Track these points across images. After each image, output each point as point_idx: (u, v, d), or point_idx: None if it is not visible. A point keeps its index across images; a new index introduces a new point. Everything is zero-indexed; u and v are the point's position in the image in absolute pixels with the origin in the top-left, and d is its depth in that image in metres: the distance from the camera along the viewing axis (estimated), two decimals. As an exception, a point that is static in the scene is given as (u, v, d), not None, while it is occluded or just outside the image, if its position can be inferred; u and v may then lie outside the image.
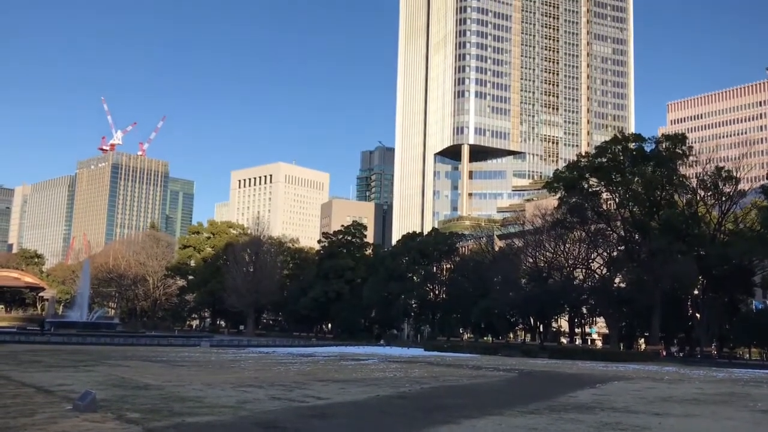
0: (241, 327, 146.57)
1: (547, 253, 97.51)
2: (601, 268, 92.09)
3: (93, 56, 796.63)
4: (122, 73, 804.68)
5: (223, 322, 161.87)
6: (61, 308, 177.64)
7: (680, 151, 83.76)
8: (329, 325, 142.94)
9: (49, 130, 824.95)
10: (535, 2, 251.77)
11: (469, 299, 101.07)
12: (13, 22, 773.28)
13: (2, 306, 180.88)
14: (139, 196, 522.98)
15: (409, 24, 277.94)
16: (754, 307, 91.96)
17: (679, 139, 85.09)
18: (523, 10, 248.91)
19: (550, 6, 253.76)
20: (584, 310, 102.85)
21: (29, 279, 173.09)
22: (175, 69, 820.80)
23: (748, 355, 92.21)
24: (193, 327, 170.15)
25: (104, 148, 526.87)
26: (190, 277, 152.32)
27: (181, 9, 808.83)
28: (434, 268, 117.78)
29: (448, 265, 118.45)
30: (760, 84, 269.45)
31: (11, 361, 36.68)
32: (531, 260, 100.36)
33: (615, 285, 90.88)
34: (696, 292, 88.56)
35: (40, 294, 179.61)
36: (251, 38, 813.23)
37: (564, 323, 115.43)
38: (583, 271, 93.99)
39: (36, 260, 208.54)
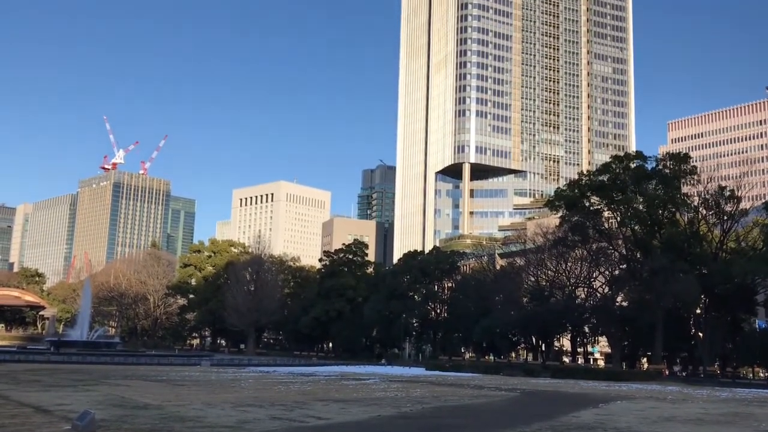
0: (242, 346, 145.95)
1: (549, 272, 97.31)
2: (603, 286, 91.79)
3: (95, 75, 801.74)
4: (125, 93, 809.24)
5: (223, 341, 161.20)
6: (62, 327, 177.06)
7: (684, 170, 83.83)
8: (330, 345, 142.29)
9: (52, 150, 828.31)
10: (535, 22, 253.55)
11: (470, 318, 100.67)
12: (16, 40, 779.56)
13: (2, 325, 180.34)
14: (140, 214, 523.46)
15: (409, 44, 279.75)
16: (757, 326, 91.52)
17: (683, 158, 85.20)
18: (523, 30, 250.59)
19: (550, 26, 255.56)
20: (586, 329, 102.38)
21: (30, 298, 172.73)
22: (178, 89, 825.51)
23: (751, 375, 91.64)
24: (194, 346, 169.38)
25: (106, 167, 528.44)
26: (191, 296, 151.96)
27: (183, 31, 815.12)
28: (435, 286, 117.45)
29: (450, 284, 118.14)
30: (760, 103, 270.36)
31: (10, 380, 36.48)
32: (533, 279, 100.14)
33: (617, 304, 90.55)
34: (698, 311, 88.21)
35: (41, 313, 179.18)
36: (253, 57, 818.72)
37: (566, 342, 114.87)
38: (585, 289, 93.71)
39: (37, 279, 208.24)
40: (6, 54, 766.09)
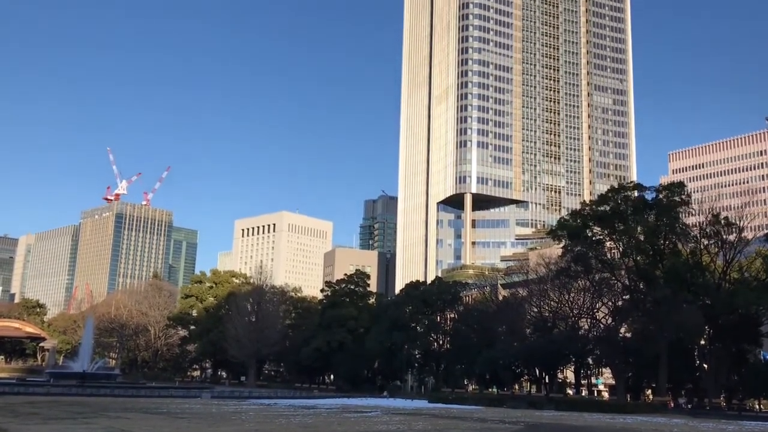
0: (243, 378, 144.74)
1: (552, 303, 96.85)
2: (606, 317, 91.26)
3: (99, 106, 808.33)
4: (128, 123, 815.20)
5: (224, 373, 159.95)
6: (62, 358, 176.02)
7: (679, 199, 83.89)
8: (332, 376, 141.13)
9: (55, 181, 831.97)
10: (535, 54, 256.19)
11: (473, 349, 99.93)
12: (19, 71, 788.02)
13: (2, 357, 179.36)
14: (142, 245, 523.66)
15: (411, 76, 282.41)
16: (762, 357, 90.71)
17: (677, 186, 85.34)
18: (523, 62, 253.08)
19: (550, 58, 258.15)
20: (590, 361, 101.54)
21: (30, 329, 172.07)
22: (181, 120, 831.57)
23: (758, 407, 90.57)
24: (194, 378, 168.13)
25: (109, 197, 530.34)
26: (192, 327, 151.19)
27: (185, 62, 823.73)
28: (438, 317, 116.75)
29: (452, 315, 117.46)
30: (760, 134, 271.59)
31: (9, 413, 36.18)
32: (535, 309, 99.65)
33: (621, 335, 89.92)
34: (703, 342, 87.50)
35: (41, 344, 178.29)
36: (255, 89, 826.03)
37: (570, 374, 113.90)
38: (588, 320, 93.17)
39: (38, 310, 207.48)
40: (8, 85, 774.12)
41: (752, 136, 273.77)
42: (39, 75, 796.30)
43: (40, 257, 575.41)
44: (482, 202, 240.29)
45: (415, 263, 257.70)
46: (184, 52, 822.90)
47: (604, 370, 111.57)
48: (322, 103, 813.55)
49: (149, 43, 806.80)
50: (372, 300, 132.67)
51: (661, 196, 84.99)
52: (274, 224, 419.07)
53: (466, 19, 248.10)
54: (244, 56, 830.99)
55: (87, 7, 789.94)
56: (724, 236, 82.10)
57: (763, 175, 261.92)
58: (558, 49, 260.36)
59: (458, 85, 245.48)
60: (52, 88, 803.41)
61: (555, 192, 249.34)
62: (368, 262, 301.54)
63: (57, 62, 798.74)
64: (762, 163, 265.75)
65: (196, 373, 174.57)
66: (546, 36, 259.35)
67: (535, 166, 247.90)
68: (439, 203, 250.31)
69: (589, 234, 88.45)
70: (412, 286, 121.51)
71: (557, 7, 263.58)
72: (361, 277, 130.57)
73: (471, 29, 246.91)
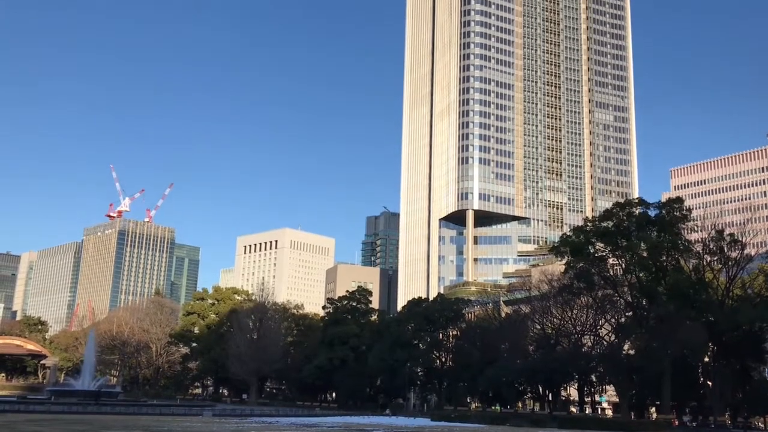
0: (244, 396, 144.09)
1: (555, 320, 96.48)
2: (610, 334, 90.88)
3: (101, 123, 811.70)
4: (131, 140, 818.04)
5: (225, 391, 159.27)
6: (63, 376, 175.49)
7: (680, 215, 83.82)
8: (334, 394, 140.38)
9: (58, 198, 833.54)
10: (536, 72, 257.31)
11: (476, 367, 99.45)
12: (23, 89, 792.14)
13: (3, 374, 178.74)
14: (144, 262, 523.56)
15: (413, 93, 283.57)
16: (766, 375, 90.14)
17: (677, 202, 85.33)
18: (525, 80, 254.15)
19: (551, 75, 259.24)
20: (594, 378, 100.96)
21: (32, 346, 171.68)
22: (184, 137, 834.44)
23: (763, 425, 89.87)
24: (196, 396, 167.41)
25: (111, 214, 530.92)
26: (194, 345, 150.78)
27: (187, 80, 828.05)
28: (440, 334, 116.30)
29: (455, 332, 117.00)
30: (762, 150, 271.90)
31: (9, 431, 36.04)
32: (538, 327, 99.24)
33: (624, 352, 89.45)
34: (706, 359, 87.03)
35: (42, 362, 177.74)
36: (258, 106, 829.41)
37: (573, 391, 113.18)
38: (591, 337, 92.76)
39: (39, 327, 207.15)
40: (10, 102, 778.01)
41: (754, 152, 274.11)
42: (41, 91, 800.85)
43: (42, 274, 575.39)
44: (484, 218, 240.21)
45: (417, 280, 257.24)
46: (185, 68, 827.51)
47: (607, 387, 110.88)
48: (324, 120, 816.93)
49: (150, 57, 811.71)
50: (374, 317, 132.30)
51: (663, 212, 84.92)
52: (276, 241, 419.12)
53: (467, 37, 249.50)
54: (248, 74, 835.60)
55: (86, 14, 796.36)
56: (727, 252, 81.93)
57: (764, 192, 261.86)
58: (559, 66, 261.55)
59: (460, 101, 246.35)
60: (54, 105, 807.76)
61: (557, 208, 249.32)
62: (370, 278, 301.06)
63: (59, 78, 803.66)
64: (764, 180, 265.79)
65: (198, 391, 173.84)
66: (547, 53, 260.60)
67: (537, 182, 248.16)
68: (441, 219, 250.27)
69: (592, 250, 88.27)
70: (415, 303, 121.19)
71: (558, 24, 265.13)
72: (363, 293, 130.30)
73: (472, 47, 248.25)
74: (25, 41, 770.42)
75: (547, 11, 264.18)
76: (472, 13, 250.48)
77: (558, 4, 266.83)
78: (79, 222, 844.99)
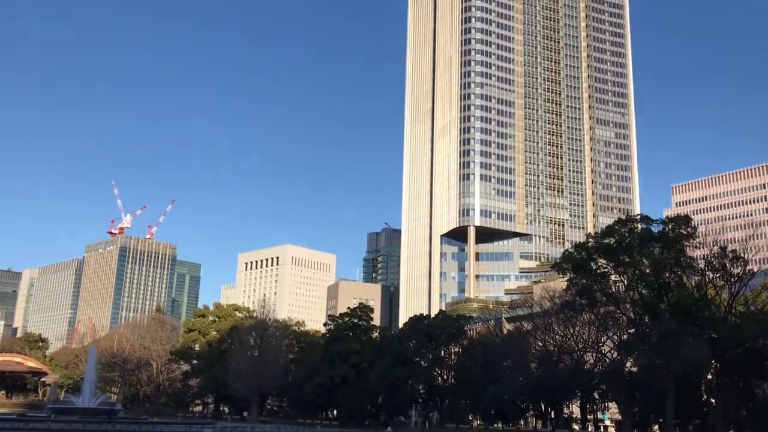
0: (245, 413, 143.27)
1: (557, 336, 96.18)
2: (612, 351, 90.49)
3: (104, 140, 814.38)
4: (133, 158, 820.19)
5: (226, 409, 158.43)
6: (63, 393, 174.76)
7: (685, 232, 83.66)
8: (335, 412, 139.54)
9: (60, 215, 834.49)
10: (537, 89, 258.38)
11: (478, 384, 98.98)
12: (25, 106, 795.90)
13: (3, 392, 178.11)
14: (146, 279, 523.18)
15: (414, 109, 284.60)
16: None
17: (683, 220, 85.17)
18: (525, 97, 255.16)
19: (552, 92, 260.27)
20: (596, 396, 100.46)
21: (32, 364, 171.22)
22: (186, 153, 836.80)
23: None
24: (196, 413, 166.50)
25: (113, 231, 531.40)
26: (194, 362, 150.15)
27: (186, 97, 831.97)
28: (442, 352, 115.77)
29: (456, 349, 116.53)
30: (763, 166, 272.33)
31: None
32: (540, 343, 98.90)
33: (626, 369, 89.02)
34: (710, 376, 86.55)
35: (43, 379, 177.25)
36: (259, 123, 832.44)
37: (576, 409, 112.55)
38: (594, 354, 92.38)
39: (40, 344, 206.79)
40: (13, 118, 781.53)
41: (755, 168, 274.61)
42: (43, 108, 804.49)
43: (43, 291, 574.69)
44: (486, 235, 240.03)
45: (418, 296, 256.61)
46: (185, 86, 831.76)
47: (610, 404, 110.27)
48: (325, 137, 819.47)
49: (151, 75, 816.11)
50: (375, 334, 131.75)
51: (666, 229, 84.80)
52: (278, 257, 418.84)
53: (468, 55, 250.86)
54: (250, 92, 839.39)
55: (86, 30, 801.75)
56: (730, 269, 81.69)
57: (766, 208, 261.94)
58: (560, 83, 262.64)
59: (461, 119, 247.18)
60: (56, 122, 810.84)
61: (558, 225, 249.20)
62: (371, 295, 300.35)
63: (60, 95, 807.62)
64: (765, 196, 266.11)
65: (198, 409, 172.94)
66: (547, 71, 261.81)
67: (539, 199, 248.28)
68: (442, 236, 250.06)
69: (594, 267, 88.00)
70: (416, 320, 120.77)
71: (558, 42, 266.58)
72: (364, 310, 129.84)
73: (473, 64, 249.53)
74: (24, 57, 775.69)
75: (547, 29, 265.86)
76: (473, 31, 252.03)
77: (558, 22, 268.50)
78: (80, 239, 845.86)
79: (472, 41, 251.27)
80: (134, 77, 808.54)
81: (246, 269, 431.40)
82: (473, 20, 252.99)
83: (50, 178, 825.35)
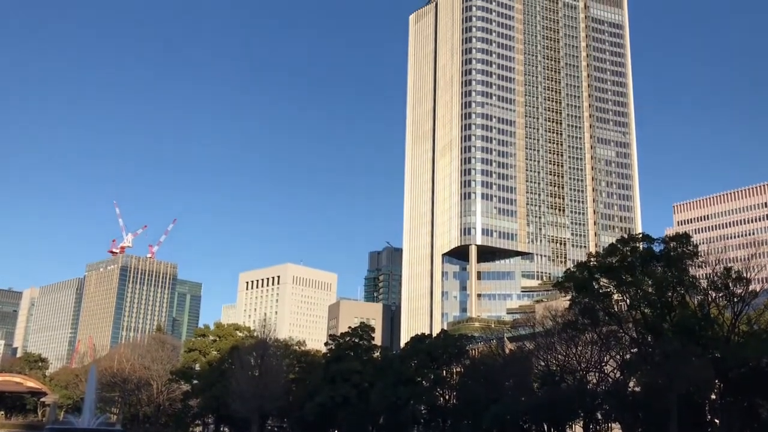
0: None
1: (559, 356, 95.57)
2: (615, 371, 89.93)
3: (105, 159, 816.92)
4: (135, 177, 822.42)
5: (227, 429, 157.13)
6: (63, 414, 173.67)
7: (687, 251, 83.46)
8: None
9: (61, 234, 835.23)
10: (537, 108, 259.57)
11: (480, 404, 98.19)
12: (27, 125, 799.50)
13: (2, 412, 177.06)
14: (146, 298, 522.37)
15: (415, 129, 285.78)
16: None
17: (684, 238, 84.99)
18: (526, 116, 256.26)
19: (552, 111, 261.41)
20: (599, 416, 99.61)
21: (32, 384, 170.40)
22: (187, 171, 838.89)
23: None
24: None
25: (114, 250, 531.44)
26: (195, 382, 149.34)
27: (187, 115, 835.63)
28: (444, 371, 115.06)
29: (458, 369, 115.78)
30: (765, 185, 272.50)
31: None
32: (543, 363, 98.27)
33: (629, 389, 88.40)
34: (713, 396, 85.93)
35: (42, 399, 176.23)
36: (261, 141, 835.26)
37: (579, 429, 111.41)
38: (596, 374, 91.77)
39: (40, 364, 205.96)
40: (14, 137, 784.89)
41: (757, 187, 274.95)
42: (43, 125, 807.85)
43: (43, 311, 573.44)
44: (487, 254, 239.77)
45: (420, 315, 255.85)
46: (185, 104, 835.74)
47: (613, 425, 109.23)
48: (326, 156, 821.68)
49: (151, 92, 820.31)
50: (377, 354, 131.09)
51: (669, 247, 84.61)
52: (279, 276, 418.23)
53: (469, 74, 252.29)
54: (251, 111, 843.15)
55: (86, 49, 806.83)
56: (732, 288, 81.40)
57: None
58: (560, 102, 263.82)
59: (462, 138, 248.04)
60: (57, 140, 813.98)
61: (560, 244, 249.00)
62: (373, 314, 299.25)
63: (60, 112, 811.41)
64: (767, 215, 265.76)
65: (199, 429, 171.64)
66: (548, 90, 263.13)
67: (540, 218, 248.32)
68: (444, 255, 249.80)
69: (596, 286, 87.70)
70: (418, 340, 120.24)
71: (558, 62, 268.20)
72: (365, 330, 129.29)
73: (474, 84, 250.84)
74: (24, 75, 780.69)
75: (547, 49, 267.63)
76: (474, 51, 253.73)
77: (558, 42, 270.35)
78: (81, 258, 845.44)
79: (473, 61, 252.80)
80: (134, 92, 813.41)
81: (247, 288, 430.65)
82: (474, 40, 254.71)
83: (51, 197, 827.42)
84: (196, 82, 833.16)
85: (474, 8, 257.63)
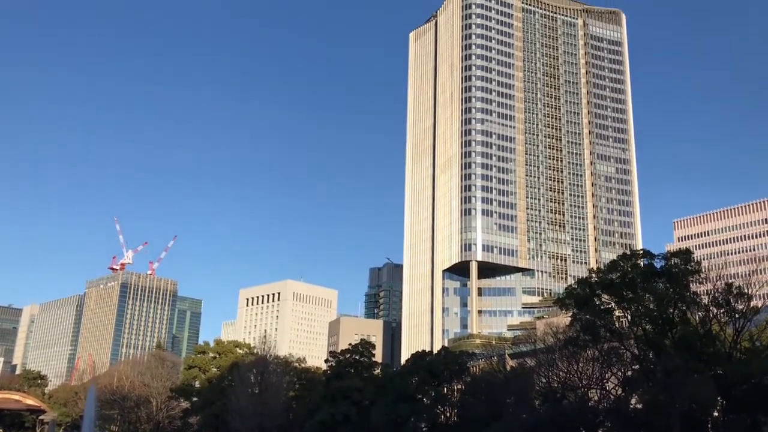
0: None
1: (560, 373, 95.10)
2: (616, 388, 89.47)
3: (106, 175, 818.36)
4: (136, 193, 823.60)
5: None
6: (61, 431, 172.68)
7: (689, 267, 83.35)
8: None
9: (61, 251, 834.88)
10: (537, 125, 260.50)
11: (481, 422, 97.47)
12: (28, 142, 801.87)
13: (1, 429, 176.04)
14: (146, 315, 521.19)
15: (415, 145, 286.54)
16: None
17: (686, 254, 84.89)
18: (526, 132, 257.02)
19: (552, 128, 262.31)
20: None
21: (30, 401, 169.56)
22: (188, 188, 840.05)
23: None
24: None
25: (114, 267, 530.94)
26: (195, 399, 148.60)
27: (190, 130, 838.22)
28: (445, 389, 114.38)
29: (459, 386, 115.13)
30: (766, 201, 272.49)
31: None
32: (544, 380, 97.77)
33: (631, 406, 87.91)
34: (716, 413, 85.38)
35: (41, 417, 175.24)
36: (263, 158, 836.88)
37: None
38: (598, 391, 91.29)
39: (39, 381, 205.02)
40: (14, 154, 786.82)
41: (758, 203, 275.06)
42: (43, 142, 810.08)
43: (43, 327, 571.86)
44: (488, 270, 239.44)
45: (420, 332, 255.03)
46: (185, 118, 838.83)
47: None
48: (327, 172, 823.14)
49: (151, 109, 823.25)
50: (377, 371, 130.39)
51: (670, 263, 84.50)
52: (279, 293, 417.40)
53: (468, 91, 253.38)
54: (250, 126, 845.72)
55: (79, 57, 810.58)
56: (734, 305, 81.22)
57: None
58: (560, 119, 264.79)
59: (462, 154, 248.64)
60: (58, 157, 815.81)
61: (561, 260, 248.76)
62: (373, 331, 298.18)
63: (61, 129, 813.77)
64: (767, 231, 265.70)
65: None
66: (548, 107, 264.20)
67: (540, 234, 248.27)
68: (444, 271, 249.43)
69: (597, 302, 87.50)
70: (418, 357, 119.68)
71: (558, 79, 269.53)
72: (366, 347, 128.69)
73: (474, 101, 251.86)
74: (24, 90, 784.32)
75: (547, 66, 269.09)
76: (473, 68, 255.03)
77: (557, 59, 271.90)
78: (82, 274, 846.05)
79: (473, 78, 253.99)
80: (134, 106, 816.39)
81: (247, 305, 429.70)
82: (473, 57, 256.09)
83: (52, 213, 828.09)
84: (193, 103, 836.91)
85: (474, 26, 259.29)
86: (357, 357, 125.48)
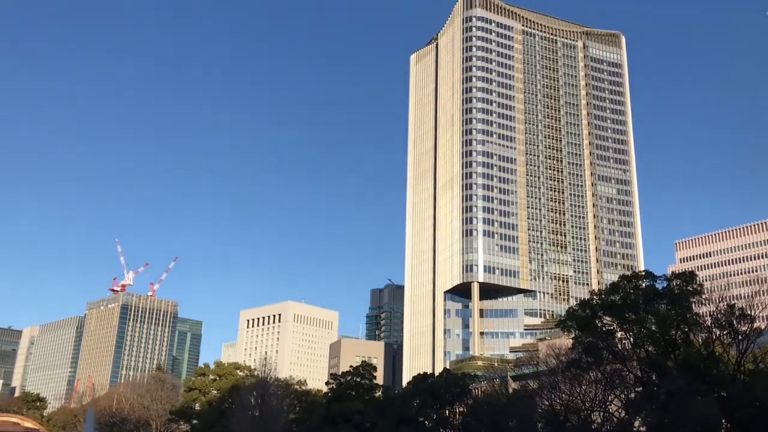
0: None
1: (563, 395, 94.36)
2: (620, 410, 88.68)
3: (106, 195, 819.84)
4: (137, 215, 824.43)
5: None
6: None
7: (691, 289, 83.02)
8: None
9: (62, 272, 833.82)
10: (538, 146, 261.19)
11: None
12: (29, 161, 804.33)
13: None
14: (147, 337, 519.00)
15: (416, 166, 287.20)
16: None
17: (689, 276, 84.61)
18: (527, 154, 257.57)
19: (553, 149, 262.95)
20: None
21: (29, 424, 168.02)
22: (188, 210, 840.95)
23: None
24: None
25: (115, 288, 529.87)
26: (195, 422, 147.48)
27: (190, 150, 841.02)
28: (447, 411, 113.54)
29: (461, 409, 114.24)
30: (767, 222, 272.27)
31: None
32: (547, 402, 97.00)
33: (635, 428, 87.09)
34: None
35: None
36: (262, 179, 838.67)
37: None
38: (601, 414, 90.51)
39: (38, 404, 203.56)
40: (14, 174, 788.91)
41: (760, 224, 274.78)
42: (45, 163, 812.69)
43: (43, 349, 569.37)
44: (490, 291, 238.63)
45: (422, 354, 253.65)
46: (187, 139, 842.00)
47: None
48: (327, 193, 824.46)
49: (152, 128, 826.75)
50: (378, 393, 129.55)
51: (671, 285, 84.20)
52: (280, 314, 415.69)
53: (469, 113, 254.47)
54: (251, 144, 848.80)
55: (88, 85, 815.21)
56: (737, 326, 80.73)
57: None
58: (560, 140, 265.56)
59: (463, 175, 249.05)
60: (59, 177, 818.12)
61: (563, 281, 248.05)
62: (374, 352, 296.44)
63: (63, 148, 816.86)
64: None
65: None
66: (548, 128, 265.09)
67: (542, 255, 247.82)
68: (446, 292, 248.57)
69: (599, 324, 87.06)
70: (420, 379, 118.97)
71: (558, 100, 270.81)
72: (367, 369, 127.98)
73: (474, 122, 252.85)
74: (26, 107, 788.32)
75: (547, 88, 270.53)
76: (474, 90, 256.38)
77: (558, 81, 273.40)
78: (82, 296, 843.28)
79: (473, 100, 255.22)
80: (136, 130, 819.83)
81: (247, 326, 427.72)
82: (474, 79, 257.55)
83: (53, 235, 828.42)
84: (194, 119, 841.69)
85: (474, 48, 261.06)
86: (358, 379, 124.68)
